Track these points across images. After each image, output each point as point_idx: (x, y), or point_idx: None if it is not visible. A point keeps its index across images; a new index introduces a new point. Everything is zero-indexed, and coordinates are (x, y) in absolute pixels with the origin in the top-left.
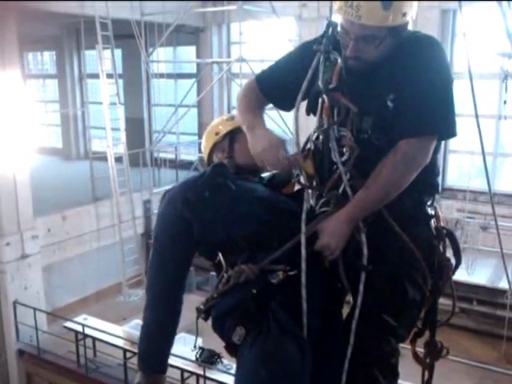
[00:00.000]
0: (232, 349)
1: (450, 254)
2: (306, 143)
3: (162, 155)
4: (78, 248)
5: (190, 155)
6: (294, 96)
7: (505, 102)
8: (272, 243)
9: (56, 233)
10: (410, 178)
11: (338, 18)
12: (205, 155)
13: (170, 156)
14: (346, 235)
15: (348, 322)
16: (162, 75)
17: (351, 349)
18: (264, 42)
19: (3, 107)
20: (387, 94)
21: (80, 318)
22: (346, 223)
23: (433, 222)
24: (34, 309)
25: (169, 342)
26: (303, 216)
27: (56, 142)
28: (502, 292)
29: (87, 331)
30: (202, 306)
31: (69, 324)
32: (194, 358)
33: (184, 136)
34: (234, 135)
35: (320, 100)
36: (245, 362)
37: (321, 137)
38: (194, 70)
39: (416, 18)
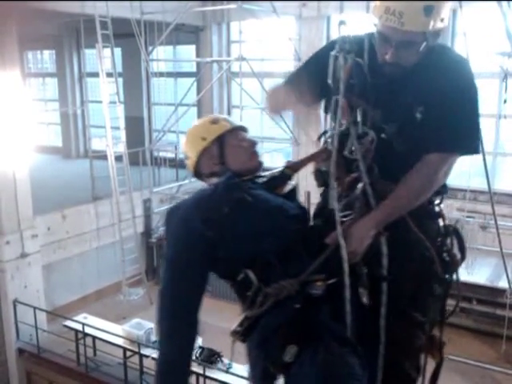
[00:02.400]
0: (281, 368)
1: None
2: (326, 142)
3: (162, 154)
4: (77, 247)
5: None
6: (319, 93)
7: (505, 101)
8: (300, 253)
9: (56, 232)
10: (437, 187)
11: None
12: (190, 162)
13: (170, 155)
14: (370, 240)
15: (376, 320)
16: (161, 74)
17: (383, 346)
18: (264, 40)
19: (3, 106)
20: (416, 105)
21: (80, 317)
22: (373, 229)
23: (440, 220)
24: (34, 308)
25: (190, 365)
26: (339, 229)
27: (56, 140)
28: (502, 291)
29: (87, 330)
30: (238, 328)
31: (69, 323)
32: (193, 358)
33: (184, 135)
34: (222, 139)
35: (334, 99)
36: (306, 380)
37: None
38: (194, 69)
39: None
